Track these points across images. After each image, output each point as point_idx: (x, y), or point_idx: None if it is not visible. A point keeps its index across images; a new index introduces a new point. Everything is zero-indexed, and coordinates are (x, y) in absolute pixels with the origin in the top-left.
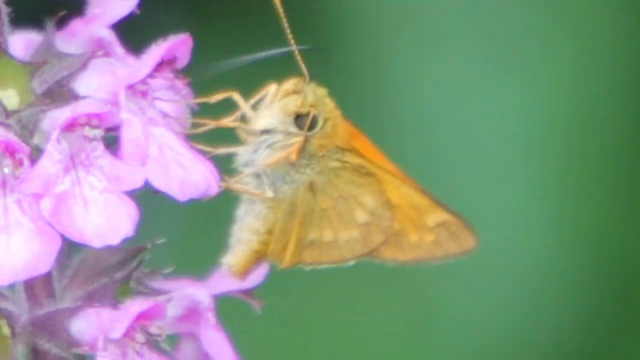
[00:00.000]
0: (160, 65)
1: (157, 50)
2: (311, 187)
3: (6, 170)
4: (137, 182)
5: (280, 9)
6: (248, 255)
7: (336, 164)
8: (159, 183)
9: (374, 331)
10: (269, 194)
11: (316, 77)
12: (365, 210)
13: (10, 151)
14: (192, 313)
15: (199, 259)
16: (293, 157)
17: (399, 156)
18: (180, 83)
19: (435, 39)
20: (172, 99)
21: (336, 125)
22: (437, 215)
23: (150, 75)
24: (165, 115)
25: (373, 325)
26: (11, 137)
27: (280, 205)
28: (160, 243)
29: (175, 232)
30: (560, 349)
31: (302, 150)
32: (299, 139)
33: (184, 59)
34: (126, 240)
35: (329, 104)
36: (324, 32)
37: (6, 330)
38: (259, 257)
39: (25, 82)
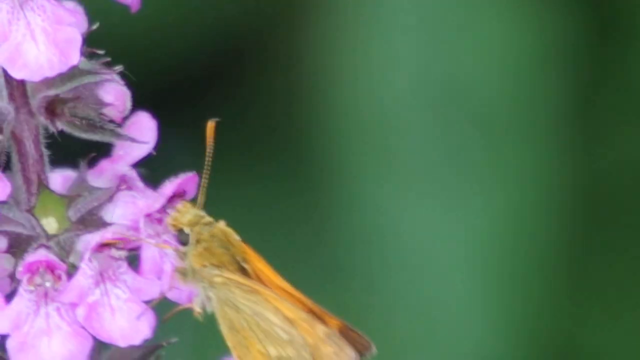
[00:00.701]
0: (172, 197)
1: (170, 186)
2: (225, 302)
3: (47, 284)
4: (154, 294)
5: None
6: None
7: (219, 279)
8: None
9: None
10: (197, 309)
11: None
12: (277, 326)
13: (51, 268)
14: None
15: (205, 353)
16: (181, 277)
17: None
18: None
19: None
20: None
21: (209, 248)
22: (321, 328)
23: (165, 206)
24: (176, 236)
25: None
26: (51, 257)
27: (221, 320)
28: (174, 342)
29: (186, 333)
30: None
31: (189, 267)
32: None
33: (191, 192)
34: (146, 340)
35: (214, 229)
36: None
37: None
38: None
39: (62, 211)
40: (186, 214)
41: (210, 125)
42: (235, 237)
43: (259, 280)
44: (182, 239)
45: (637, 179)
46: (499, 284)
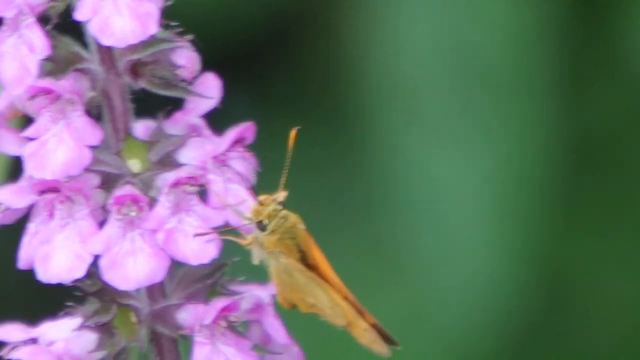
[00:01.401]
0: (235, 143)
1: (232, 133)
2: (283, 270)
3: (132, 214)
4: (220, 221)
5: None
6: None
7: (284, 260)
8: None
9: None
10: (255, 261)
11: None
12: (323, 298)
13: (135, 201)
14: (258, 307)
15: (262, 270)
16: (244, 243)
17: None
18: (247, 154)
19: (423, 112)
20: (242, 165)
21: (282, 238)
22: (361, 322)
23: (228, 149)
24: (237, 174)
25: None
26: (136, 191)
27: (275, 275)
28: (236, 260)
29: (247, 255)
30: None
31: (261, 244)
32: (255, 236)
33: (250, 139)
34: (213, 260)
35: (287, 223)
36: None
37: (134, 319)
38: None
39: (144, 154)
40: (267, 207)
41: (293, 132)
42: (301, 227)
43: (316, 267)
44: (260, 227)
45: (619, 126)
46: (503, 213)
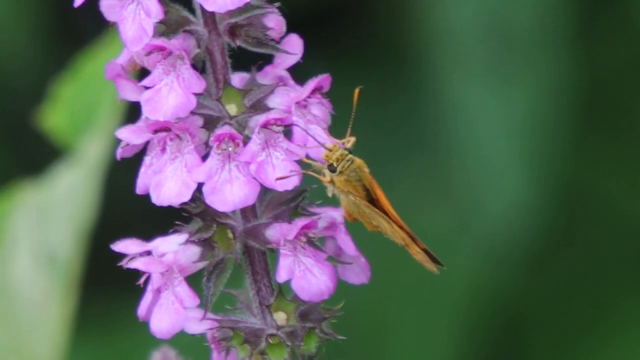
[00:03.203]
0: (314, 91)
1: (312, 83)
2: (352, 202)
3: (230, 149)
4: (302, 155)
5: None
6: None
7: (352, 197)
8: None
9: None
10: (330, 194)
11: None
12: (385, 224)
13: (232, 138)
14: (332, 225)
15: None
16: (322, 180)
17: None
18: (324, 101)
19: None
20: (320, 109)
21: (348, 179)
22: (415, 246)
23: (309, 96)
24: (316, 116)
25: None
26: (233, 130)
27: (345, 206)
28: (314, 187)
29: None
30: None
31: (333, 183)
32: (328, 175)
33: (326, 87)
34: (296, 186)
35: (352, 165)
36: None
37: (230, 235)
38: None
39: (240, 100)
40: (335, 152)
41: (357, 90)
42: (366, 170)
43: (377, 202)
44: (332, 169)
45: (627, 72)
46: (532, 146)
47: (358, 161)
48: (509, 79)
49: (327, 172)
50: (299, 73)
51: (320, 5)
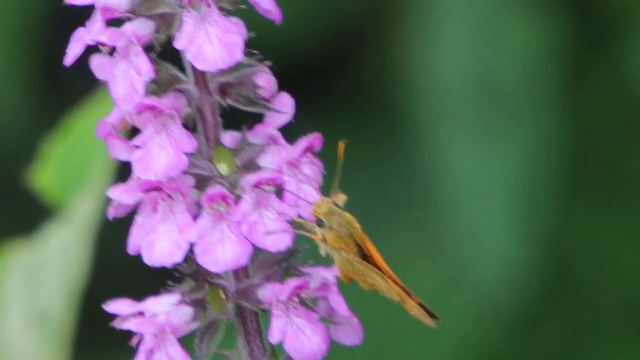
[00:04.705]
0: (305, 150)
1: (303, 142)
2: (345, 260)
3: (221, 209)
4: (294, 215)
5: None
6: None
7: (345, 254)
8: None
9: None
10: (322, 253)
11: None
12: (380, 281)
13: (224, 198)
14: (324, 285)
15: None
16: (314, 238)
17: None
18: (315, 160)
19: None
20: (311, 168)
21: (339, 235)
22: (411, 301)
23: (300, 156)
24: (307, 176)
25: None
26: (224, 190)
27: (339, 264)
28: (306, 247)
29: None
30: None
31: (325, 241)
32: (319, 233)
33: (318, 147)
34: (287, 247)
35: (342, 220)
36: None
37: (223, 295)
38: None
39: (231, 159)
40: (323, 207)
41: (341, 144)
42: (357, 225)
43: (370, 259)
44: (320, 224)
45: (617, 130)
46: (521, 202)
47: (347, 216)
48: (499, 135)
49: (318, 229)
50: (288, 129)
51: (312, 62)
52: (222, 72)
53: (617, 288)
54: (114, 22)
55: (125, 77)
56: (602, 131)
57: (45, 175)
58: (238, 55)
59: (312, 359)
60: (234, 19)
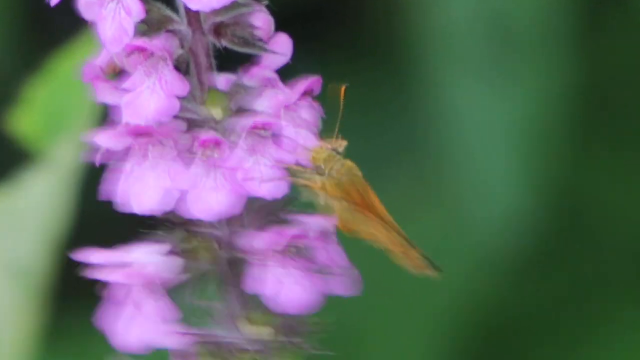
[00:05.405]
0: (303, 93)
1: (301, 85)
2: (344, 208)
3: (215, 155)
4: (291, 161)
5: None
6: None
7: (345, 204)
8: None
9: None
10: (322, 202)
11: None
12: (381, 230)
13: (218, 144)
14: (322, 235)
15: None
16: (313, 186)
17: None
18: (314, 104)
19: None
20: (310, 112)
21: (339, 183)
22: (413, 251)
23: (298, 99)
24: (306, 120)
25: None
26: (218, 135)
27: (339, 213)
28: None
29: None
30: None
31: (325, 189)
32: (319, 180)
33: (316, 91)
34: (284, 194)
35: (342, 168)
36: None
37: (215, 246)
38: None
39: (225, 103)
40: (322, 153)
41: (342, 88)
42: (358, 173)
43: (371, 208)
44: (319, 171)
45: (628, 72)
46: (528, 148)
47: (349, 163)
48: (508, 78)
49: (317, 177)
50: (286, 71)
51: (312, 1)
52: (216, 12)
53: (628, 237)
54: None
55: (115, 17)
56: (618, 75)
57: (26, 120)
58: None
59: (307, 310)
60: None
